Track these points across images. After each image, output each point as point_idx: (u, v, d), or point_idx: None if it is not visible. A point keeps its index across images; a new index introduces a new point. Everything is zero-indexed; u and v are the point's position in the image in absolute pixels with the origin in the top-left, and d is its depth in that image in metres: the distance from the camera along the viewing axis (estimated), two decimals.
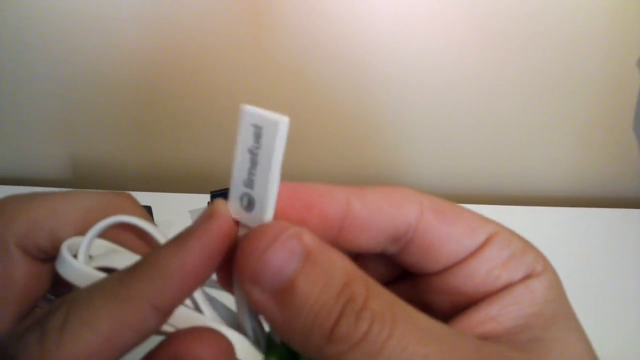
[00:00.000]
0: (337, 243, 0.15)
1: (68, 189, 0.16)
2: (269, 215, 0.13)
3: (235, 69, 0.64)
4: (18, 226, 0.16)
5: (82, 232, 0.15)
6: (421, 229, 0.15)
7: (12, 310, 0.16)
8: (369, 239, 0.15)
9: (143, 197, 0.66)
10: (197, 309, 0.14)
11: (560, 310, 0.15)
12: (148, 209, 0.52)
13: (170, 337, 0.13)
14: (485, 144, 0.68)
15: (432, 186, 0.70)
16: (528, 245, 0.16)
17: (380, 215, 0.15)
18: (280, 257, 0.12)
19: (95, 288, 0.12)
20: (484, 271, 0.15)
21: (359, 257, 0.17)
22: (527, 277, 0.15)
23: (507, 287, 0.15)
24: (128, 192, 0.18)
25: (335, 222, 0.15)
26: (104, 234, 0.16)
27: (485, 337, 0.15)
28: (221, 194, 0.53)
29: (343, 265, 0.13)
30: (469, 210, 0.16)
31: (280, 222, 0.13)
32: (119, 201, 0.17)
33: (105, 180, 0.73)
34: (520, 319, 0.15)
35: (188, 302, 0.14)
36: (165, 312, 0.12)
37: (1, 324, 0.16)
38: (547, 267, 0.16)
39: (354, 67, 0.63)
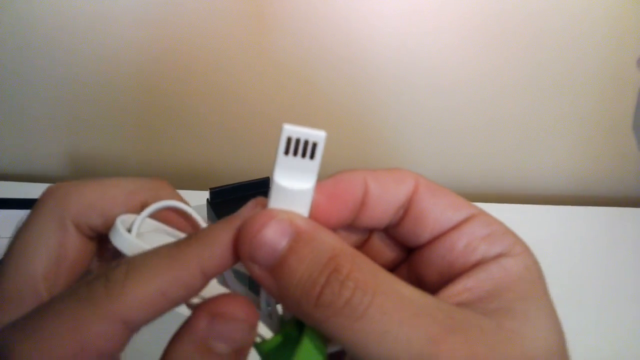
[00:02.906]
0: (358, 219, 0.18)
1: (113, 178, 0.19)
2: (304, 210, 0.16)
3: (236, 68, 0.64)
4: (74, 205, 0.18)
5: (128, 211, 0.18)
6: (415, 199, 0.18)
7: (64, 279, 0.18)
8: (382, 213, 0.18)
9: None
10: (227, 286, 0.16)
11: (533, 290, 0.17)
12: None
13: (208, 300, 0.15)
14: (485, 143, 0.68)
15: None
16: (509, 231, 0.18)
17: (389, 191, 0.18)
18: (271, 237, 0.15)
19: (153, 251, 0.15)
20: (463, 243, 0.18)
21: (369, 243, 0.20)
22: (502, 255, 0.17)
23: (483, 262, 0.17)
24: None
25: (358, 202, 0.18)
26: (153, 215, 0.19)
27: (461, 305, 0.16)
28: (220, 191, 0.53)
29: (330, 242, 0.15)
30: (455, 194, 0.19)
31: (273, 210, 0.16)
32: (158, 186, 0.19)
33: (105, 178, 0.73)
34: (493, 292, 0.16)
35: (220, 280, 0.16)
36: (209, 276, 0.15)
37: (54, 289, 0.18)
38: (526, 252, 0.17)
39: (355, 67, 0.63)
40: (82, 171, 0.73)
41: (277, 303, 0.16)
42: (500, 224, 0.18)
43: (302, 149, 0.15)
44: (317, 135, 0.15)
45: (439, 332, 0.14)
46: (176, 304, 0.15)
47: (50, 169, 0.73)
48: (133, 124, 0.69)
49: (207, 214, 0.53)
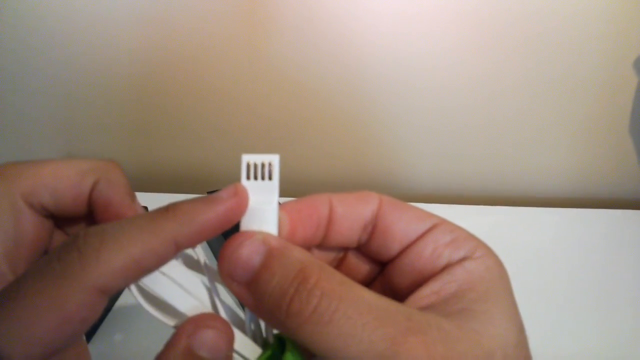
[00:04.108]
0: (328, 238, 0.20)
1: (64, 158, 0.19)
2: (273, 226, 0.18)
3: (233, 71, 0.64)
4: (25, 184, 0.18)
5: (79, 192, 0.18)
6: (381, 215, 0.20)
7: (25, 258, 0.18)
8: (349, 230, 0.20)
9: (140, 198, 0.65)
10: (215, 310, 0.17)
11: (493, 290, 0.18)
12: (145, 210, 0.51)
13: (192, 317, 0.16)
14: (483, 146, 0.68)
15: (431, 187, 0.70)
16: (471, 236, 0.19)
17: (354, 209, 0.20)
18: (246, 255, 0.16)
19: (128, 221, 0.16)
20: (429, 251, 0.19)
21: (345, 261, 0.22)
22: (465, 258, 0.18)
23: (448, 266, 0.18)
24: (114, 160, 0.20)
25: (324, 220, 0.19)
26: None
27: (426, 308, 0.17)
28: None
29: (299, 256, 0.16)
30: (418, 208, 0.20)
31: (248, 232, 0.17)
32: (109, 167, 0.19)
33: None
34: (457, 293, 0.18)
35: (207, 303, 0.18)
36: (181, 249, 0.16)
37: (18, 269, 0.18)
38: (488, 255, 0.19)
39: (352, 69, 0.63)
40: None
41: (258, 319, 0.18)
42: (463, 230, 0.19)
43: (261, 172, 0.17)
44: (271, 157, 0.17)
45: (398, 334, 0.15)
46: (148, 272, 0.16)
47: None
48: (129, 127, 0.69)
49: None
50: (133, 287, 0.17)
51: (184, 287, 0.17)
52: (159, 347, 0.17)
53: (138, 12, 0.60)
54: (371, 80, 0.64)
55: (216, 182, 0.70)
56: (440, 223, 0.19)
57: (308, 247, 0.20)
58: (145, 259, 0.15)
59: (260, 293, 0.16)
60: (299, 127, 0.68)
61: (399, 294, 0.20)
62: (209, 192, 0.55)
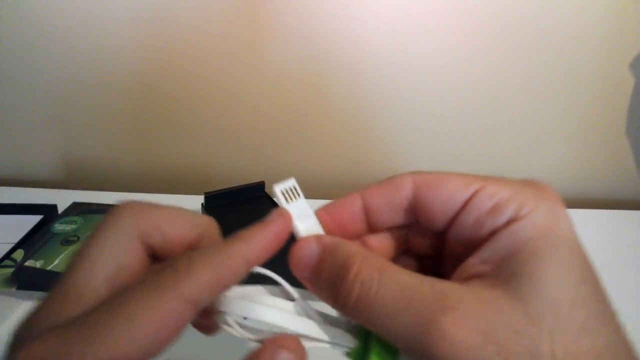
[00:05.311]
0: (375, 226, 0.22)
1: (178, 207, 0.22)
2: (319, 229, 0.22)
3: (233, 71, 0.64)
4: (145, 223, 0.20)
5: (184, 241, 0.21)
6: (417, 197, 0.20)
7: (121, 286, 0.19)
8: (389, 218, 0.21)
9: (137, 198, 0.65)
10: (308, 316, 0.21)
11: (543, 246, 0.17)
12: None
13: (274, 337, 0.19)
14: (481, 147, 0.68)
15: None
16: (515, 194, 0.18)
17: (386, 201, 0.21)
18: (305, 256, 0.20)
19: (209, 248, 0.19)
20: (471, 221, 0.19)
21: (409, 238, 0.23)
22: (510, 221, 0.18)
23: (494, 232, 0.18)
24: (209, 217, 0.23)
25: (359, 214, 0.22)
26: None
27: (473, 278, 0.18)
28: (215, 195, 0.52)
29: (346, 250, 0.19)
30: (457, 175, 0.20)
31: (304, 237, 0.21)
32: (211, 224, 0.22)
33: (99, 182, 0.72)
34: (505, 259, 0.17)
35: (300, 311, 0.21)
36: (251, 265, 0.19)
37: (113, 292, 0.20)
38: (535, 209, 0.18)
39: (351, 69, 0.63)
40: (74, 174, 0.72)
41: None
42: (506, 188, 0.19)
43: (291, 194, 0.22)
44: (291, 181, 0.22)
45: (430, 314, 0.16)
46: (227, 287, 0.19)
47: (42, 172, 0.72)
48: (127, 127, 0.69)
49: None
50: (227, 316, 0.20)
51: (275, 306, 0.20)
52: None
53: (137, 12, 0.60)
54: (371, 80, 0.64)
55: (214, 183, 0.70)
56: (480, 188, 0.19)
57: (358, 237, 0.22)
58: (225, 276, 0.18)
59: (320, 286, 0.19)
60: (299, 127, 0.67)
61: (460, 263, 0.20)
62: (206, 193, 0.55)
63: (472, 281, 0.18)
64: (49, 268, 0.41)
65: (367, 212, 0.22)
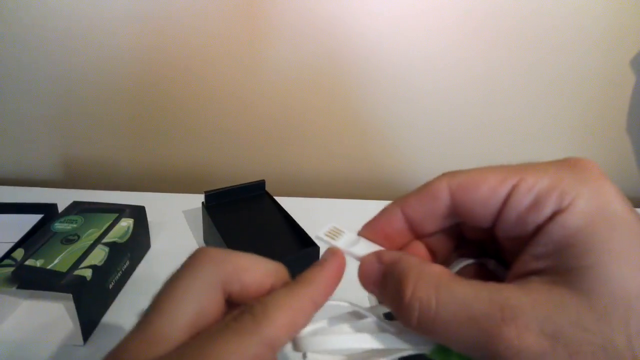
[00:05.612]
0: (423, 233, 0.22)
1: (253, 255, 0.23)
2: (372, 247, 0.23)
3: (233, 71, 0.64)
4: (225, 272, 0.21)
5: (261, 289, 0.22)
6: (456, 204, 0.20)
7: (199, 331, 0.20)
8: (434, 226, 0.22)
9: (137, 197, 0.65)
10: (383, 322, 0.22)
11: (598, 235, 0.16)
12: (142, 209, 0.51)
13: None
14: (483, 145, 0.68)
15: None
16: (556, 184, 0.17)
17: (426, 212, 0.21)
18: (370, 272, 0.21)
19: (280, 293, 0.20)
20: (513, 220, 0.18)
21: (465, 230, 0.23)
22: (555, 213, 0.17)
23: (540, 227, 0.17)
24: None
25: (404, 229, 0.22)
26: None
27: (529, 275, 0.17)
28: (215, 194, 0.52)
29: (402, 266, 0.20)
30: (492, 170, 0.20)
31: (368, 254, 0.22)
32: (283, 272, 0.23)
33: (99, 181, 0.72)
34: (557, 253, 0.17)
35: (373, 327, 0.22)
36: (319, 305, 0.20)
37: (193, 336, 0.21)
38: (579, 195, 0.17)
39: (352, 69, 0.63)
40: (74, 174, 0.72)
41: None
42: (545, 178, 0.18)
43: (334, 233, 0.24)
44: (329, 225, 0.24)
45: (493, 327, 0.16)
46: (300, 328, 0.20)
47: (41, 172, 0.72)
48: (127, 127, 0.69)
49: (202, 216, 0.53)
50: (309, 354, 0.21)
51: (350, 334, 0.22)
52: None
53: (137, 12, 0.60)
54: (372, 79, 0.64)
55: (213, 182, 0.70)
56: (518, 182, 0.18)
57: (405, 246, 0.23)
58: (298, 317, 0.19)
59: (386, 302, 0.20)
60: (299, 126, 0.67)
61: (516, 251, 0.19)
62: (206, 192, 0.55)
63: (530, 279, 0.17)
64: (49, 267, 0.41)
65: (409, 223, 0.22)
